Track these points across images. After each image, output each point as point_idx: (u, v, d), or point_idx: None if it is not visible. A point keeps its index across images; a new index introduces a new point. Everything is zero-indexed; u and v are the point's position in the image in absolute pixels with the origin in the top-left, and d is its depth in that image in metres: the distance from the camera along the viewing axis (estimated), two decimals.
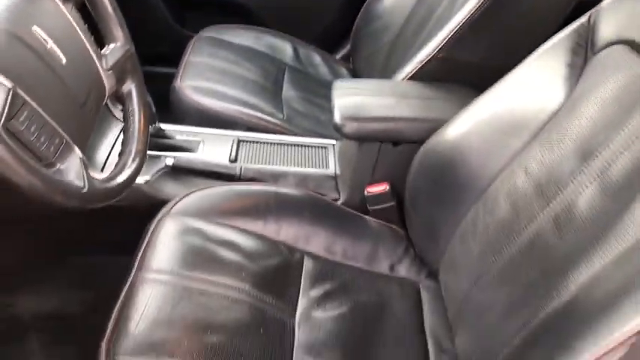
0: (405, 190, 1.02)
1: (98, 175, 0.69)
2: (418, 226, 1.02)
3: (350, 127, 1.04)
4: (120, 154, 0.79)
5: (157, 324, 0.80)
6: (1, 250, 1.14)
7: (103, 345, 0.77)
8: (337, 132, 1.05)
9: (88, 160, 0.69)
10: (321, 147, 1.23)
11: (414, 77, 1.16)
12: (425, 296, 0.99)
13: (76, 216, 1.11)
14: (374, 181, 1.10)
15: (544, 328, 0.65)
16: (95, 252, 1.18)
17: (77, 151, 0.67)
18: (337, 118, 1.04)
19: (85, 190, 0.65)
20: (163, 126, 1.21)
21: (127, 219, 1.01)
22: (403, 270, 1.03)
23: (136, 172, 0.78)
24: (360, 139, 1.07)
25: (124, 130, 0.82)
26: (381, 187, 1.08)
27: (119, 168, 0.75)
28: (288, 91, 1.49)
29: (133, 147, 0.78)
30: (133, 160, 0.77)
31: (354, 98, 1.08)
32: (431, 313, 0.96)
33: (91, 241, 1.18)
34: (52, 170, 0.63)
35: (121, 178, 0.74)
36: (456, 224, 0.93)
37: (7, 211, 0.86)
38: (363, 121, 1.05)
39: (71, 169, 0.64)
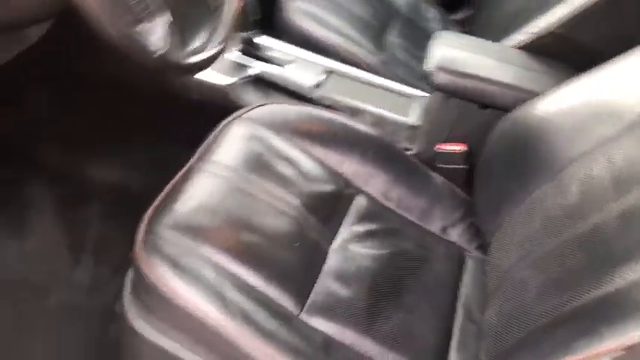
0: (481, 155, 0.98)
1: (178, 48, 0.71)
2: (485, 194, 0.99)
3: (441, 78, 1.00)
4: (202, 38, 0.80)
5: (202, 210, 0.82)
6: (84, 113, 1.21)
7: (148, 213, 0.81)
8: (425, 80, 1.02)
9: (177, 38, 0.71)
10: (408, 96, 1.20)
11: (524, 47, 1.10)
12: (469, 265, 0.97)
13: (158, 101, 1.16)
14: (450, 140, 1.06)
15: (576, 312, 0.61)
16: (167, 140, 1.22)
17: (166, 17, 0.68)
18: (430, 65, 1.00)
19: (159, 54, 0.66)
20: (261, 38, 1.22)
21: (202, 115, 1.04)
22: (455, 235, 1.01)
23: (211, 59, 0.79)
24: (448, 92, 1.03)
25: (213, 18, 0.82)
26: (456, 147, 1.05)
27: (197, 49, 0.76)
28: (392, 37, 1.46)
29: (216, 34, 0.79)
30: (213, 46, 0.78)
31: (452, 50, 1.03)
32: (470, 283, 0.93)
33: (166, 128, 1.22)
34: (138, 26, 0.65)
35: (195, 58, 0.75)
36: (522, 199, 0.89)
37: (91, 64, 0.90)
38: (456, 75, 1.00)
39: (155, 32, 0.65)
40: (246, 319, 0.71)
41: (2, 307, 1.06)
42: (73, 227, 1.20)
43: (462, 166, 1.06)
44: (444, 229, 1.01)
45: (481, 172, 0.99)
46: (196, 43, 0.76)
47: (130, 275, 0.79)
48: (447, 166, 1.06)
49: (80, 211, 1.22)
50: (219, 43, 0.79)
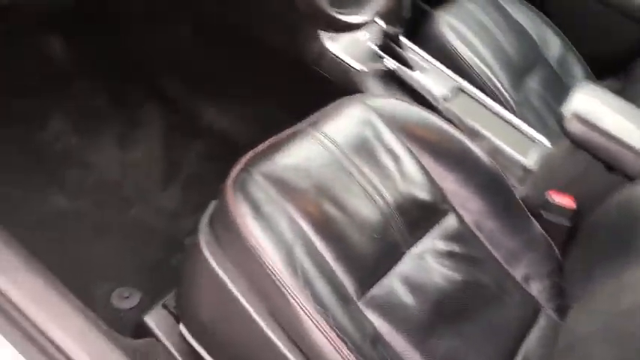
0: (590, 216, 0.93)
1: (329, 3, 0.72)
2: (582, 256, 0.93)
3: (574, 127, 0.95)
4: (354, 4, 0.80)
5: (297, 169, 0.82)
6: (214, 57, 1.25)
7: (247, 155, 0.81)
8: (558, 123, 0.97)
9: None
10: (531, 139, 1.15)
11: None
12: (541, 322, 0.91)
13: (286, 65, 1.18)
14: (562, 192, 1.00)
15: None
16: (281, 104, 1.24)
17: None
18: (567, 110, 0.95)
19: None
20: (404, 39, 1.21)
21: (321, 90, 1.05)
22: (535, 288, 0.95)
23: (357, 25, 0.80)
24: (577, 143, 0.97)
25: None
26: (566, 202, 0.99)
27: (347, 12, 0.77)
28: (532, 82, 1.42)
29: (368, 6, 0.80)
30: (362, 14, 0.79)
31: (597, 103, 0.98)
32: (536, 339, 0.88)
33: (283, 92, 1.24)
34: None
35: (342, 17, 0.76)
36: (619, 272, 0.82)
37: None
38: (590, 127, 0.95)
39: None
40: (307, 282, 0.70)
41: (91, 203, 1.11)
42: (171, 156, 1.24)
43: (565, 224, 0.99)
44: (527, 279, 0.95)
45: (585, 234, 0.93)
46: (348, 6, 0.77)
47: (211, 206, 0.80)
48: (551, 218, 1.00)
49: (182, 144, 1.27)
50: (368, 14, 0.80)
